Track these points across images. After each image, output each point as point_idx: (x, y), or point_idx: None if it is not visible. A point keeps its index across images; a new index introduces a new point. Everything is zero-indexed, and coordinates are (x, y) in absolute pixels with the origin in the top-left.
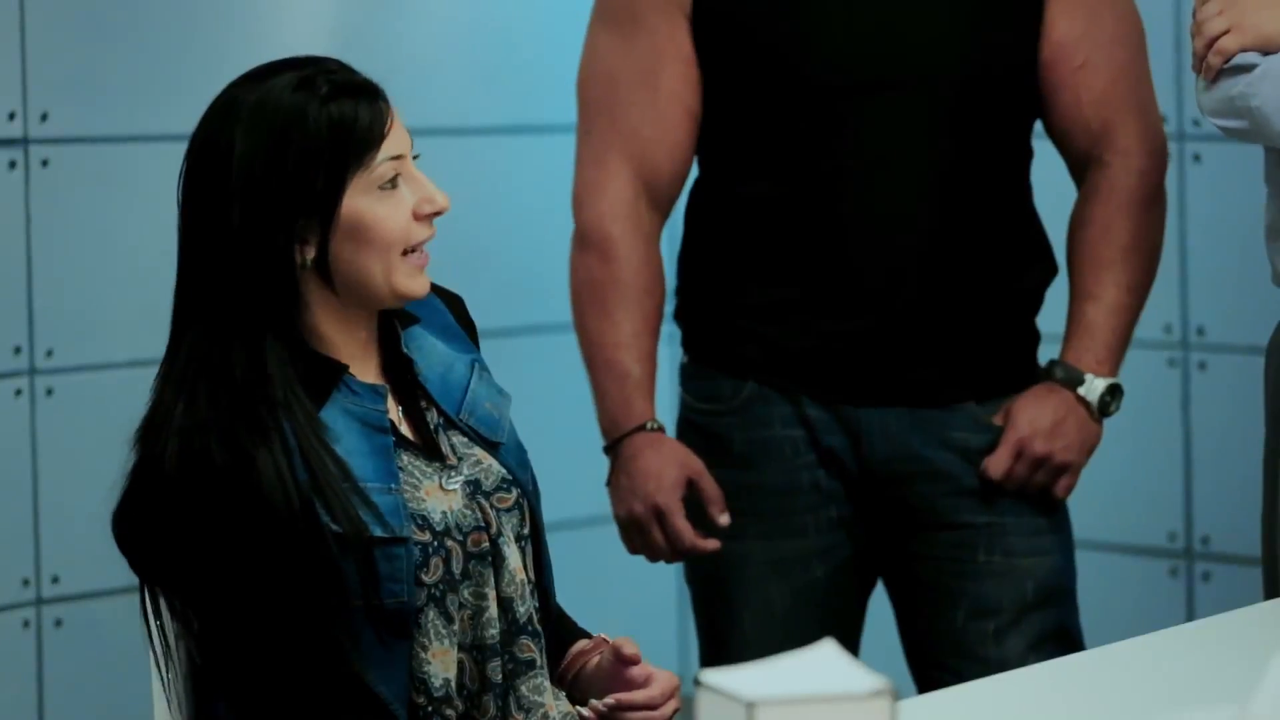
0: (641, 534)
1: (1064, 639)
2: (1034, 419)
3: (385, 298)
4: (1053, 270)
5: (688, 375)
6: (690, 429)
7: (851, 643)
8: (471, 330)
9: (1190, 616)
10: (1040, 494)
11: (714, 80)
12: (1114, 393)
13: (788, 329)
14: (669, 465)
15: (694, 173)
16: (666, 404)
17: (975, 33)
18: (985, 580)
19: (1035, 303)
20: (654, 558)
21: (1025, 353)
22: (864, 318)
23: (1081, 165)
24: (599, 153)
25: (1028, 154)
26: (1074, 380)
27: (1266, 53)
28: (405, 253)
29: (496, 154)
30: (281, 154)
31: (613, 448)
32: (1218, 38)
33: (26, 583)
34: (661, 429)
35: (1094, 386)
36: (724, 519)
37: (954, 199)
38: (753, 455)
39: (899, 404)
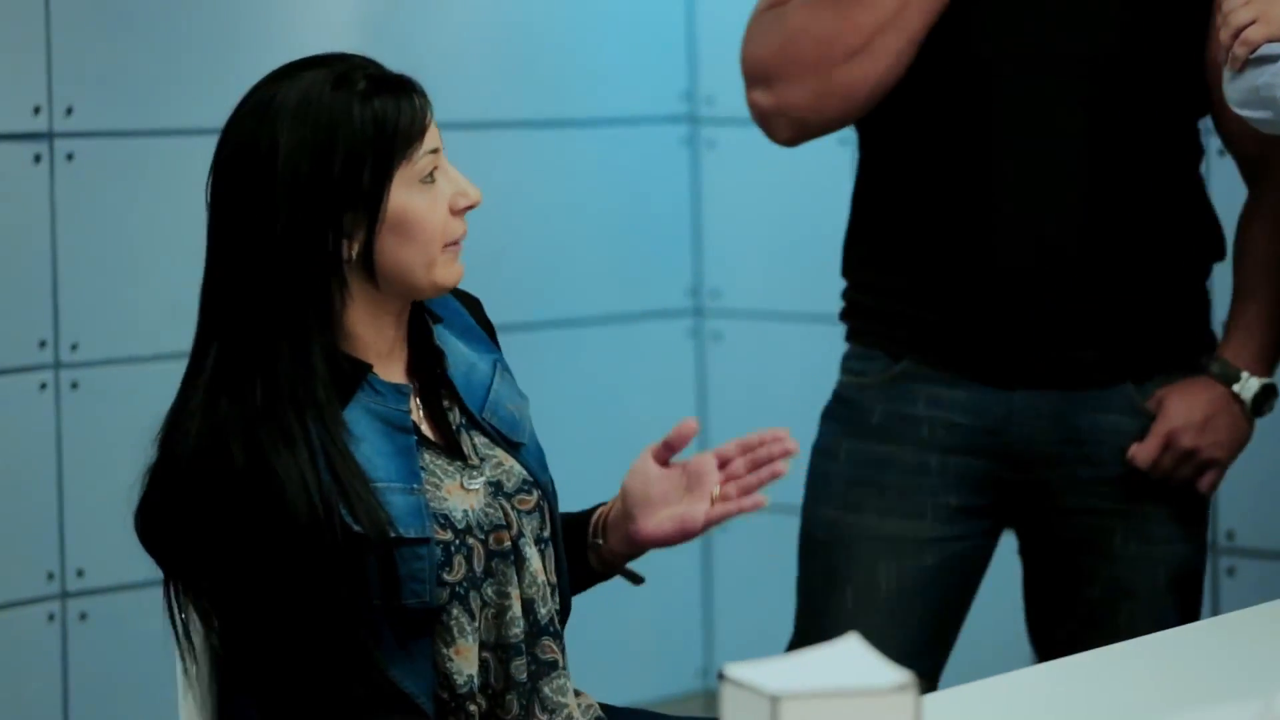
0: None
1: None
2: (1187, 412)
3: (424, 289)
4: (1220, 252)
5: (846, 358)
6: (837, 401)
7: (948, 636)
8: (490, 330)
9: (1215, 611)
10: (1183, 487)
11: None
12: (1269, 393)
13: (944, 310)
14: None
15: (855, 156)
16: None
17: (1133, 15)
18: (1120, 564)
19: (1200, 279)
20: None
21: (1192, 328)
22: (1018, 297)
23: (1253, 166)
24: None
25: (1194, 143)
26: (1230, 377)
27: None
28: (444, 246)
29: (519, 148)
30: (328, 152)
31: None
32: (1244, 28)
33: (51, 576)
34: None
35: (1249, 385)
36: None
37: (1108, 180)
38: (889, 428)
39: (1053, 386)
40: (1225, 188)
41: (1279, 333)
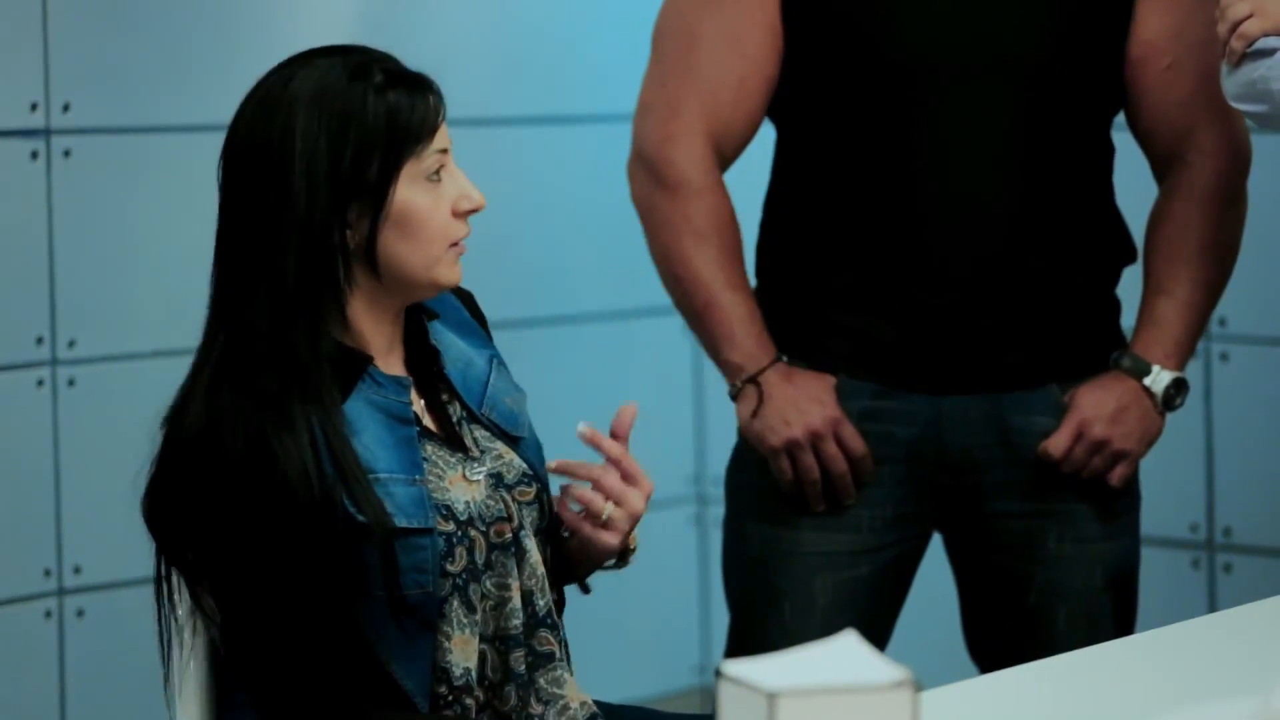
0: (809, 451)
1: (1123, 623)
2: (1097, 403)
3: (423, 287)
4: (1132, 254)
5: None
6: None
7: (882, 638)
8: (483, 324)
9: (1212, 608)
10: (1094, 481)
11: (798, 59)
12: (1179, 387)
13: (870, 317)
14: (825, 388)
15: (769, 161)
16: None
17: (1060, 19)
18: (1056, 566)
19: (1114, 280)
20: (810, 479)
21: (1108, 329)
22: (946, 303)
23: (1164, 163)
24: (675, 104)
25: (1108, 145)
26: (1141, 370)
27: None
28: (448, 247)
29: (518, 145)
30: (342, 141)
31: (752, 381)
32: (1241, 22)
33: (48, 573)
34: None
35: (1160, 378)
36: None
37: (1033, 183)
38: None
39: (980, 390)
40: (1128, 191)
41: (1189, 327)
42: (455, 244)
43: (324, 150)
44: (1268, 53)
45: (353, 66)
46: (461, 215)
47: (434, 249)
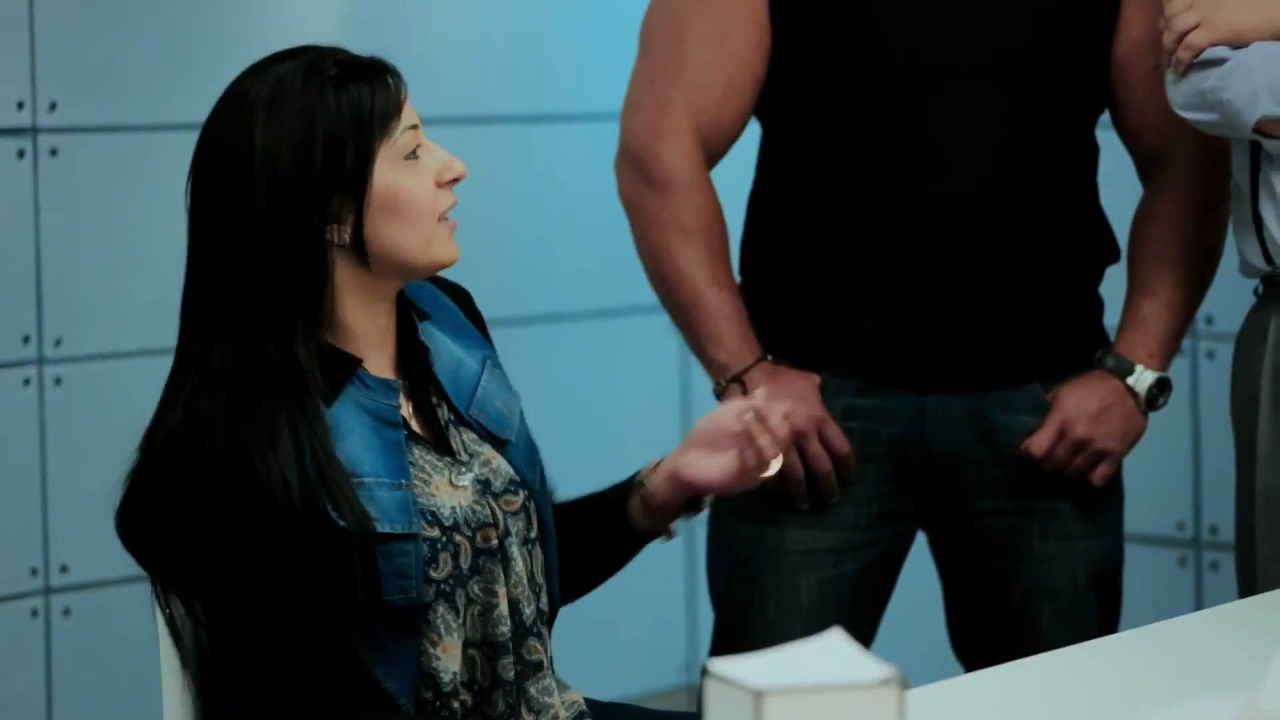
0: (793, 450)
1: (1107, 622)
2: (1080, 402)
3: (422, 267)
4: (1116, 253)
5: None
6: None
7: (867, 636)
8: (480, 323)
9: (1198, 605)
10: (1077, 480)
11: (786, 56)
12: (1163, 387)
13: (855, 315)
14: (810, 387)
15: (755, 158)
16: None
17: (1047, 20)
18: (1040, 564)
19: (1096, 279)
20: (794, 478)
21: (1091, 325)
22: (931, 300)
23: (1149, 164)
24: (663, 101)
25: (1093, 144)
26: (1124, 370)
27: (1236, 47)
28: (439, 220)
29: (508, 143)
30: (307, 143)
31: (737, 379)
32: (1187, 32)
33: (35, 572)
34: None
35: (1144, 378)
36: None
37: (1018, 181)
38: None
39: (966, 389)
40: (1113, 190)
41: (1173, 327)
42: (444, 217)
43: (288, 153)
44: (1216, 62)
45: (306, 66)
46: (445, 185)
47: (425, 225)
